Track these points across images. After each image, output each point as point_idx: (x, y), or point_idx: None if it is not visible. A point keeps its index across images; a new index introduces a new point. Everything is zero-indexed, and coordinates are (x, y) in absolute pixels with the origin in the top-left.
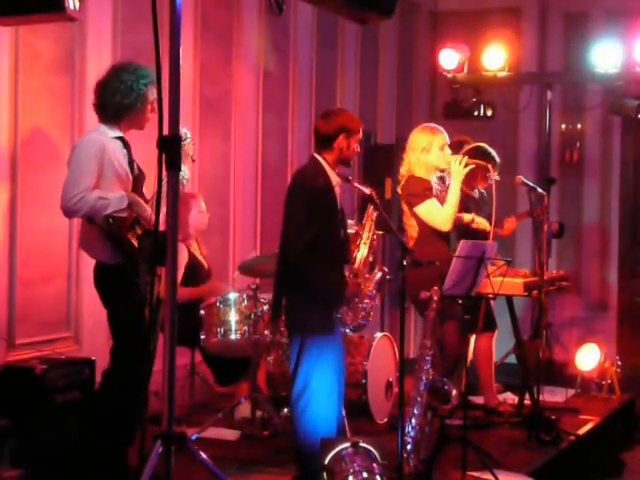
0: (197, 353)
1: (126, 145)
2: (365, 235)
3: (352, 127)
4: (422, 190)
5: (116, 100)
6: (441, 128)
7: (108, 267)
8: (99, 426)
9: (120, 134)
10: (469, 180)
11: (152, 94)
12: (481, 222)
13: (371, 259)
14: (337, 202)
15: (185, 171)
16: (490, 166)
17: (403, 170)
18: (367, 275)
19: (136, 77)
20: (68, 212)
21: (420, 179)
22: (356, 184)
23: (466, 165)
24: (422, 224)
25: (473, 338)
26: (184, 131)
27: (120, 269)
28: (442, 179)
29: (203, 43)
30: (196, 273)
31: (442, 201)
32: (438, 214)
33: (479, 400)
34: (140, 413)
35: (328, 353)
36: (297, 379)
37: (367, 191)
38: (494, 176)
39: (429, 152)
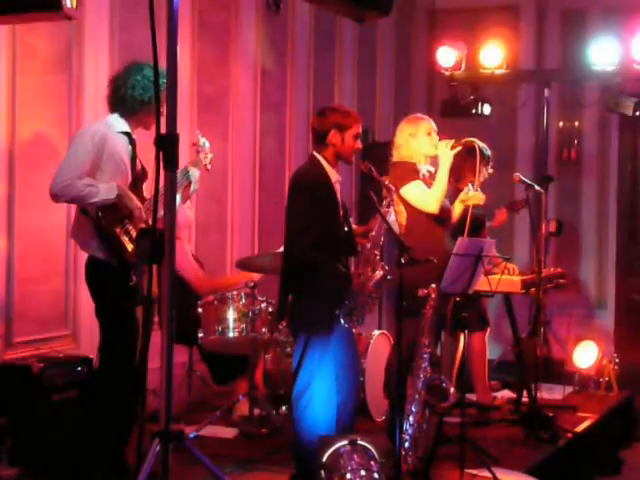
0: (195, 351)
1: (132, 141)
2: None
3: (344, 122)
4: (407, 172)
5: (137, 93)
6: (426, 117)
7: (100, 262)
8: (96, 424)
9: (128, 129)
10: (458, 174)
11: None
12: (475, 196)
13: (377, 256)
14: (338, 198)
15: (194, 174)
16: (478, 149)
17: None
18: (370, 274)
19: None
20: (54, 196)
21: (406, 162)
22: (375, 174)
23: (452, 147)
24: (410, 208)
25: (463, 336)
26: (202, 140)
27: (110, 265)
28: (430, 173)
29: (201, 42)
30: None
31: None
32: (424, 195)
33: (472, 397)
34: (133, 411)
35: (332, 352)
36: (299, 377)
37: (392, 187)
38: (488, 170)
39: (415, 137)
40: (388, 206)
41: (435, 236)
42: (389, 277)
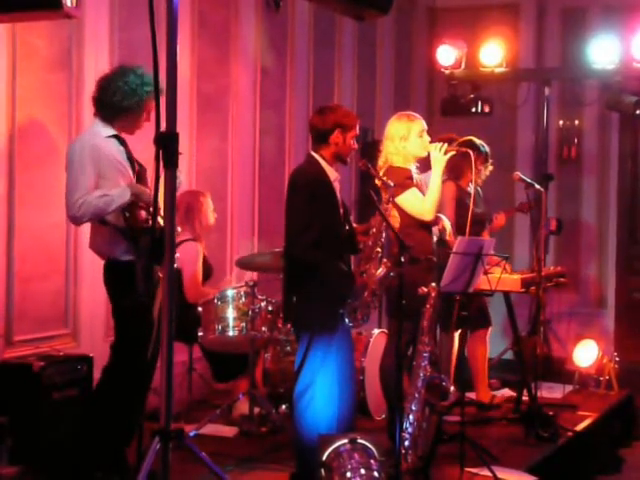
0: (195, 349)
1: (122, 142)
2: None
3: (347, 122)
4: (403, 179)
5: (116, 99)
6: (418, 115)
7: (120, 264)
8: (98, 423)
9: (114, 132)
10: (457, 172)
11: (151, 103)
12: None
13: (379, 254)
14: (337, 197)
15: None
16: (472, 153)
17: (380, 162)
18: (373, 271)
19: (142, 82)
20: (74, 219)
21: (400, 168)
22: (373, 172)
23: (446, 152)
24: (404, 214)
25: (457, 334)
26: None
27: (132, 266)
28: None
29: (200, 40)
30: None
31: (422, 191)
32: (420, 203)
33: (471, 396)
34: (140, 411)
35: (335, 352)
36: (301, 376)
37: (390, 183)
38: (488, 167)
39: (408, 140)
40: (387, 202)
41: (424, 240)
42: (392, 274)
